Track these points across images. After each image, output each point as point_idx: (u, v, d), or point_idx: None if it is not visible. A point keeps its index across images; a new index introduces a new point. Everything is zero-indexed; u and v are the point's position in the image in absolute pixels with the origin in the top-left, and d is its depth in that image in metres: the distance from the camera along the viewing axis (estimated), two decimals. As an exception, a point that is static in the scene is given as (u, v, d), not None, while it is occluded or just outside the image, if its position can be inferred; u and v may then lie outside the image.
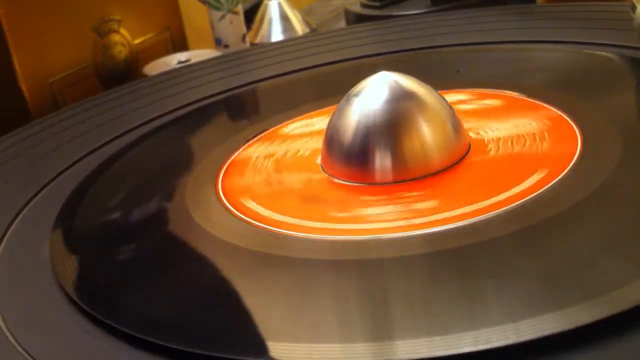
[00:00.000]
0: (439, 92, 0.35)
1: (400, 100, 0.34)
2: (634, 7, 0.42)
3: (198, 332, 0.26)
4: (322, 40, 0.59)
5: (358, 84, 0.35)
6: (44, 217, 0.36)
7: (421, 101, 0.34)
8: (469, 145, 0.35)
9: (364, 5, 0.68)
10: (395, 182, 0.33)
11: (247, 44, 0.69)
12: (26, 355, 0.26)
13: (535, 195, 0.30)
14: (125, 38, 0.65)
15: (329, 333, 0.25)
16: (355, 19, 0.68)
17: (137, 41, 0.66)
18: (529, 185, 0.31)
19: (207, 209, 0.34)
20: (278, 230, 0.31)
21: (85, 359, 0.26)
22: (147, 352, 0.25)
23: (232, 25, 0.67)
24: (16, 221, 0.37)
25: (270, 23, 0.73)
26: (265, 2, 0.74)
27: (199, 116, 0.48)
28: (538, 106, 0.39)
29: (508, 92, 0.41)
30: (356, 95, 0.35)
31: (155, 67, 0.63)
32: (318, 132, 0.40)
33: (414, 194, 0.32)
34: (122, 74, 0.65)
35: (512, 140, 0.36)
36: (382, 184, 0.33)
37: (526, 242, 0.28)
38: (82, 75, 0.61)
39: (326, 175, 0.35)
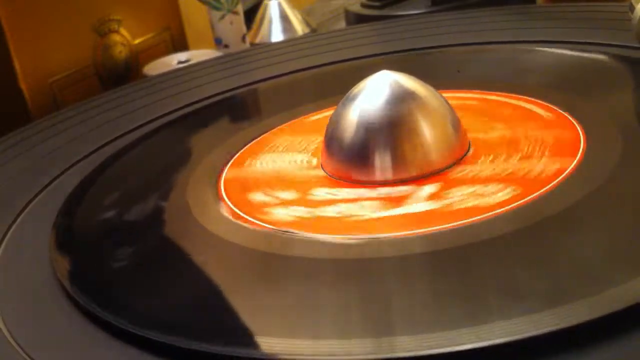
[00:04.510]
0: (439, 92, 0.35)
1: (401, 100, 0.34)
2: (632, 7, 0.42)
3: (198, 331, 0.26)
4: (322, 40, 0.59)
5: (358, 84, 0.35)
6: (44, 217, 0.36)
7: (421, 101, 0.34)
8: (469, 144, 0.35)
9: (364, 5, 0.68)
10: (395, 181, 0.33)
11: (247, 44, 0.69)
12: (25, 355, 0.26)
13: (535, 195, 0.30)
14: (125, 38, 0.65)
15: (329, 331, 0.25)
16: (355, 19, 0.68)
17: (137, 41, 0.66)
18: (529, 185, 0.31)
19: (208, 209, 0.34)
20: (278, 230, 0.32)
21: (85, 358, 0.26)
22: (147, 351, 0.25)
23: (232, 25, 0.67)
24: (17, 221, 0.37)
25: (270, 23, 0.73)
26: (265, 2, 0.74)
27: (199, 116, 0.48)
28: (538, 106, 0.39)
29: (508, 92, 0.41)
30: (356, 95, 0.35)
31: (155, 67, 0.63)
32: (318, 132, 0.40)
33: (414, 193, 0.32)
34: (122, 74, 0.65)
35: (512, 140, 0.36)
36: (382, 183, 0.33)
37: (526, 242, 0.28)
38: (82, 75, 0.61)
39: (326, 174, 0.35)
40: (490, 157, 0.34)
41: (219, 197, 0.35)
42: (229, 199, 0.35)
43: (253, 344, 0.25)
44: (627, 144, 0.33)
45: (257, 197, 0.35)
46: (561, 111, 0.37)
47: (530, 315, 0.23)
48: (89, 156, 0.44)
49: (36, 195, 0.39)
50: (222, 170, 0.38)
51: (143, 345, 0.25)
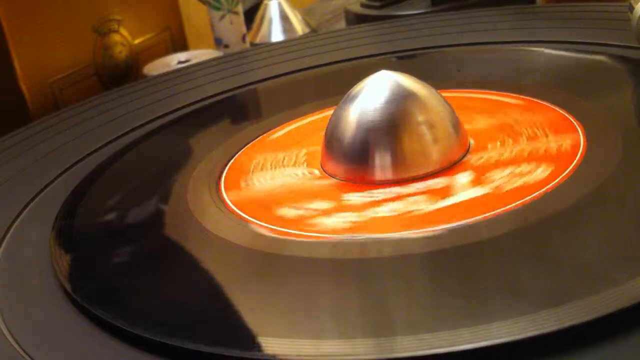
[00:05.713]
0: (439, 92, 0.35)
1: (400, 99, 0.34)
2: (631, 7, 0.42)
3: (199, 331, 0.26)
4: (322, 40, 0.59)
5: (358, 84, 0.35)
6: (44, 217, 0.36)
7: (421, 101, 0.34)
8: (469, 144, 0.35)
9: (364, 5, 0.69)
10: (395, 181, 0.33)
11: (247, 44, 0.69)
12: (25, 355, 0.26)
13: (535, 196, 0.30)
14: (125, 38, 0.65)
15: (330, 331, 0.25)
16: (355, 19, 0.68)
17: (137, 41, 0.66)
18: (529, 185, 0.31)
19: (208, 209, 0.34)
20: (278, 230, 0.31)
21: (85, 357, 0.26)
22: (148, 352, 0.25)
23: (232, 25, 0.67)
24: (17, 221, 0.37)
25: (270, 23, 0.73)
26: (265, 2, 0.74)
27: (199, 116, 0.48)
28: (538, 106, 0.39)
29: (508, 92, 0.41)
30: (356, 95, 0.35)
31: (155, 67, 0.63)
32: (318, 132, 0.40)
33: (414, 193, 0.32)
34: (122, 74, 0.65)
35: (512, 140, 0.36)
36: (382, 183, 0.33)
37: (526, 242, 0.28)
38: (82, 75, 0.61)
39: (326, 174, 0.35)
40: (490, 158, 0.34)
41: (219, 198, 0.35)
42: (229, 199, 0.35)
43: (253, 345, 0.25)
44: (627, 144, 0.33)
45: (257, 197, 0.35)
46: (561, 111, 0.37)
47: (530, 315, 0.23)
48: (89, 156, 0.44)
49: (36, 195, 0.39)
50: (222, 171, 0.38)
51: (143, 346, 0.25)
